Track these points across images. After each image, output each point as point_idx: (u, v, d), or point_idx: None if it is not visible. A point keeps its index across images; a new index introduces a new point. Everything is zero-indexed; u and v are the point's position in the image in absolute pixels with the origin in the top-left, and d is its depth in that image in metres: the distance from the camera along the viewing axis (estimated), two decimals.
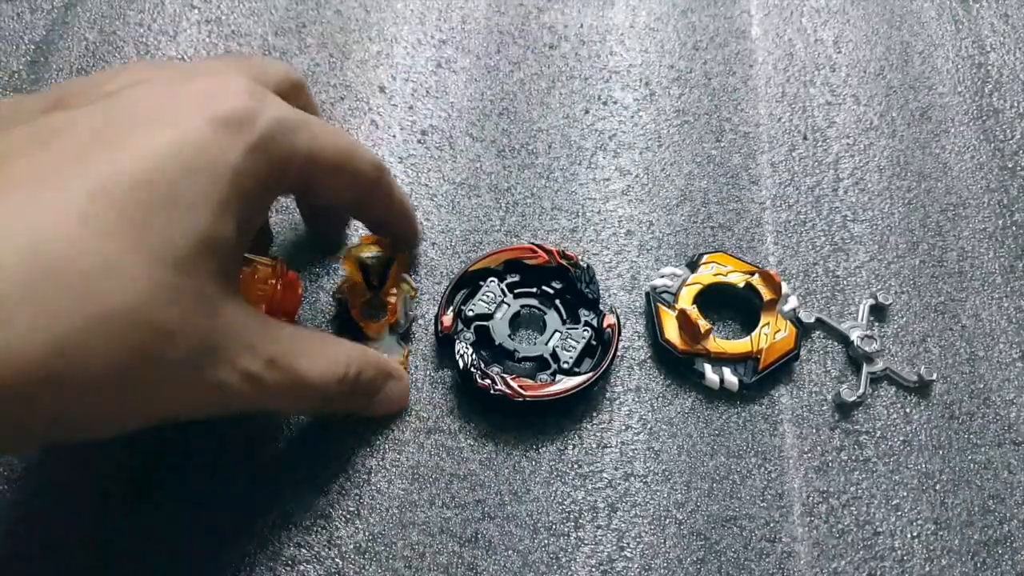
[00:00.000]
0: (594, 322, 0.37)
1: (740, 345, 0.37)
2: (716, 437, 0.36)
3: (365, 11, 0.49)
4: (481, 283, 0.38)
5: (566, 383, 0.34)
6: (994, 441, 0.36)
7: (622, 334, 0.37)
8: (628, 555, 0.33)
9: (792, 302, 0.38)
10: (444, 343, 0.36)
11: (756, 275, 0.38)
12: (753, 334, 0.37)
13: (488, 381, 0.34)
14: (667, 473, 0.35)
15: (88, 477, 0.33)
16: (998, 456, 0.36)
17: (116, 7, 0.48)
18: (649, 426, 0.36)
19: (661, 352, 0.37)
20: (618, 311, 0.37)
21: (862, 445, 0.36)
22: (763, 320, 0.38)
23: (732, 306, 0.39)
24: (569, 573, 0.32)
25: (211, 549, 0.32)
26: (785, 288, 0.38)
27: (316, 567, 0.32)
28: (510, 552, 0.33)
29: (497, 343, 0.36)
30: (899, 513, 0.34)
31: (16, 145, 0.23)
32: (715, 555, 0.33)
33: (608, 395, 0.36)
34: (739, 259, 0.39)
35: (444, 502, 0.33)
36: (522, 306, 0.37)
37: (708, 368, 0.36)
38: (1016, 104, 0.47)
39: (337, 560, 0.32)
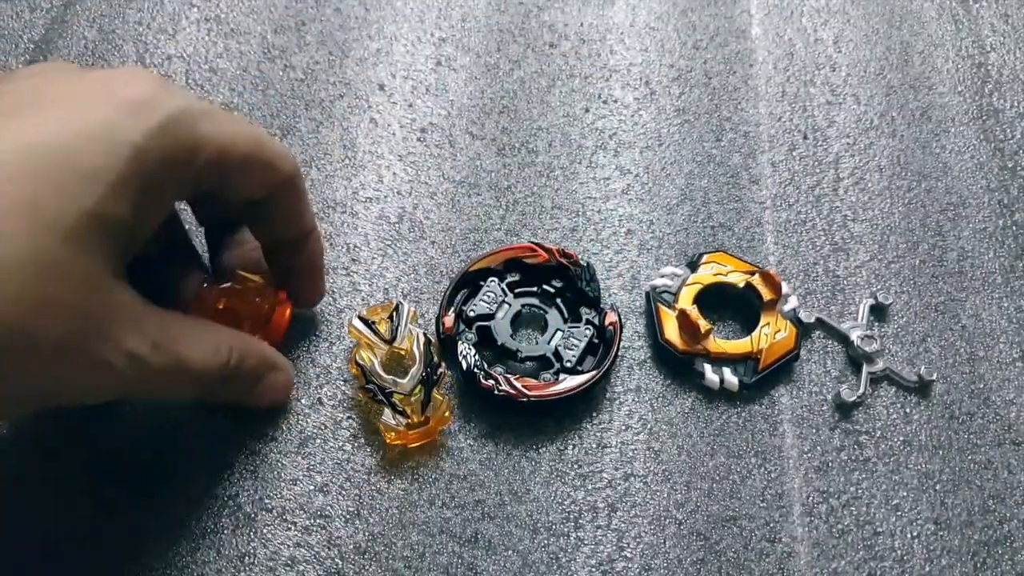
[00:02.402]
0: (596, 320, 0.37)
1: (740, 345, 0.37)
2: (716, 437, 0.36)
3: (365, 9, 0.49)
4: (481, 283, 0.38)
5: (570, 382, 0.34)
6: (994, 441, 0.36)
7: (622, 333, 0.37)
8: (628, 555, 0.33)
9: (792, 302, 0.38)
10: (446, 344, 0.36)
11: (756, 275, 0.38)
12: (753, 334, 0.37)
13: (492, 382, 0.34)
14: (667, 473, 0.35)
15: (88, 479, 0.33)
16: (998, 456, 0.36)
17: (115, 6, 0.48)
18: (649, 426, 0.36)
19: (661, 352, 0.37)
20: (619, 309, 0.37)
21: (862, 445, 0.36)
22: (763, 320, 0.38)
23: (732, 306, 0.39)
24: (569, 573, 0.32)
25: (210, 550, 0.32)
26: (785, 288, 0.38)
27: (316, 567, 0.32)
28: (510, 552, 0.33)
29: (500, 343, 0.36)
30: (899, 513, 0.34)
31: None
32: (715, 555, 0.33)
33: (608, 395, 0.36)
34: (739, 259, 0.39)
35: (444, 502, 0.33)
36: (523, 305, 0.37)
37: (708, 368, 0.36)
38: (1016, 104, 0.47)
39: (337, 560, 0.32)
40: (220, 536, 0.32)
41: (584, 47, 0.48)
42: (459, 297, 0.37)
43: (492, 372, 0.34)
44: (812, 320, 0.38)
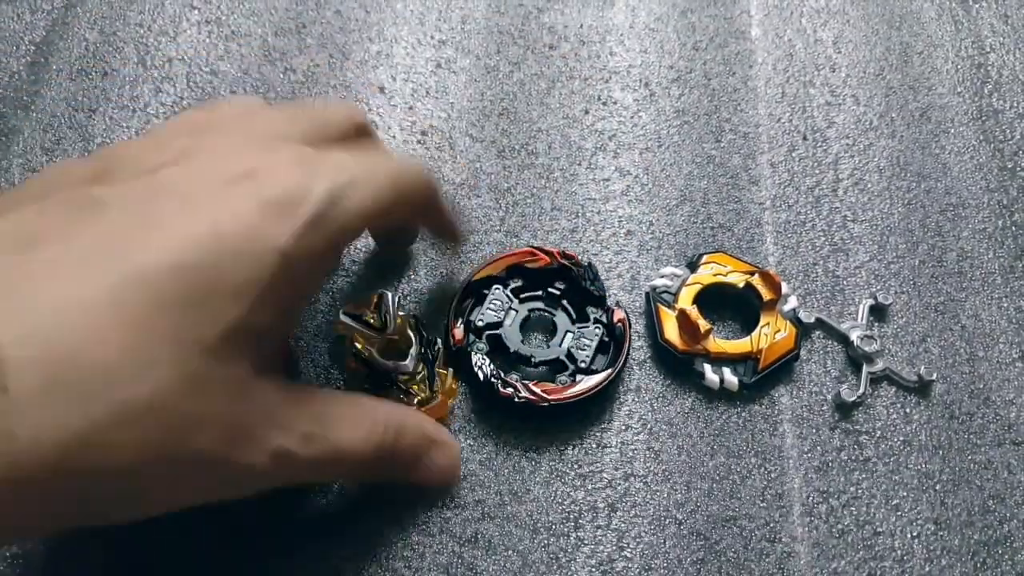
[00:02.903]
0: (603, 319, 0.37)
1: (740, 345, 0.37)
2: (716, 437, 0.36)
3: (365, 11, 0.49)
4: (485, 291, 0.37)
5: (587, 382, 0.34)
6: (994, 441, 0.36)
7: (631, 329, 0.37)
8: (628, 555, 0.33)
9: (792, 302, 0.38)
10: (456, 355, 0.36)
11: (756, 275, 0.38)
12: (753, 334, 0.37)
13: (511, 389, 0.34)
14: (667, 473, 0.35)
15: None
16: (998, 456, 0.36)
17: (116, 8, 0.48)
18: (649, 426, 0.36)
19: (661, 352, 0.37)
20: (624, 306, 0.37)
21: (862, 445, 0.36)
22: (763, 320, 0.38)
23: (732, 306, 0.39)
24: (569, 573, 0.32)
25: (208, 551, 0.32)
26: (785, 288, 0.38)
27: (315, 567, 0.32)
28: (510, 552, 0.33)
29: (512, 350, 0.36)
30: (899, 513, 0.34)
31: (52, 220, 0.22)
32: (715, 555, 0.33)
33: (608, 395, 0.36)
34: (739, 259, 0.39)
35: (443, 502, 0.33)
36: (530, 310, 0.37)
37: (708, 368, 0.36)
38: (1015, 104, 0.47)
39: (335, 560, 0.32)
40: (215, 537, 0.32)
41: (584, 49, 0.48)
42: (464, 307, 0.37)
43: (509, 380, 0.34)
44: (812, 320, 0.38)
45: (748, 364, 0.37)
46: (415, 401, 0.33)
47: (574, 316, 0.37)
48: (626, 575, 0.32)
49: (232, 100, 0.31)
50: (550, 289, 0.38)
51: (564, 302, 0.37)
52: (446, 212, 0.35)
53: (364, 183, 0.27)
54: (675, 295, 0.38)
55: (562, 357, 0.36)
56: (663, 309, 0.38)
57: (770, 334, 0.37)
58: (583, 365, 0.35)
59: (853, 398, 0.36)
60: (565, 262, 0.38)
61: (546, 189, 0.42)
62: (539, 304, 0.37)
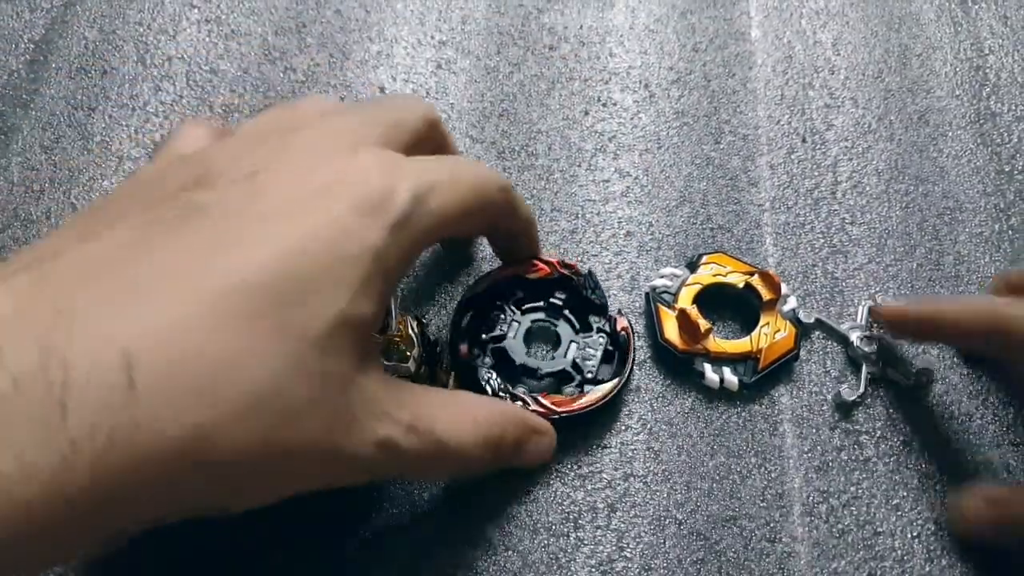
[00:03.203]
0: (606, 327, 0.37)
1: (740, 345, 0.37)
2: (716, 437, 0.36)
3: (365, 11, 0.49)
4: (486, 304, 0.37)
5: (595, 392, 0.34)
6: (993, 442, 0.36)
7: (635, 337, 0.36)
8: (628, 555, 0.33)
9: (791, 302, 0.38)
10: (460, 369, 0.35)
11: (755, 275, 0.39)
12: (753, 334, 0.37)
13: (520, 403, 0.34)
14: (667, 473, 0.35)
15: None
16: (997, 457, 0.36)
17: (116, 6, 0.48)
18: (649, 426, 0.36)
19: (661, 352, 0.37)
20: (626, 312, 0.37)
21: (862, 445, 0.36)
22: (763, 320, 0.38)
23: (732, 306, 0.39)
24: (569, 573, 0.32)
25: (206, 553, 0.32)
26: (784, 288, 0.38)
27: (314, 568, 0.32)
28: (509, 552, 0.32)
29: (518, 363, 0.35)
30: (899, 513, 0.34)
31: (162, 227, 0.24)
32: (715, 555, 0.33)
33: (613, 400, 0.36)
34: (738, 260, 0.39)
35: (443, 503, 0.33)
36: (532, 321, 0.37)
37: (708, 368, 0.36)
38: (1014, 107, 0.47)
39: (338, 560, 0.32)
40: (213, 536, 0.32)
41: (583, 50, 0.48)
42: (465, 320, 0.36)
43: (517, 393, 0.34)
44: (811, 320, 0.38)
45: (748, 364, 0.37)
46: None
47: (577, 326, 0.37)
48: (626, 575, 0.32)
49: (311, 99, 0.32)
50: (552, 299, 0.37)
51: (566, 312, 0.37)
52: (522, 222, 0.35)
53: (447, 187, 0.28)
54: (675, 295, 0.38)
55: (568, 368, 0.35)
56: (663, 309, 0.38)
57: (770, 334, 0.37)
58: (590, 375, 0.35)
59: (853, 398, 0.36)
60: (565, 271, 0.37)
61: (546, 190, 0.42)
62: (541, 315, 0.37)
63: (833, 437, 0.36)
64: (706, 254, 0.39)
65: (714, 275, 0.39)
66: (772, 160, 0.44)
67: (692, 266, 0.39)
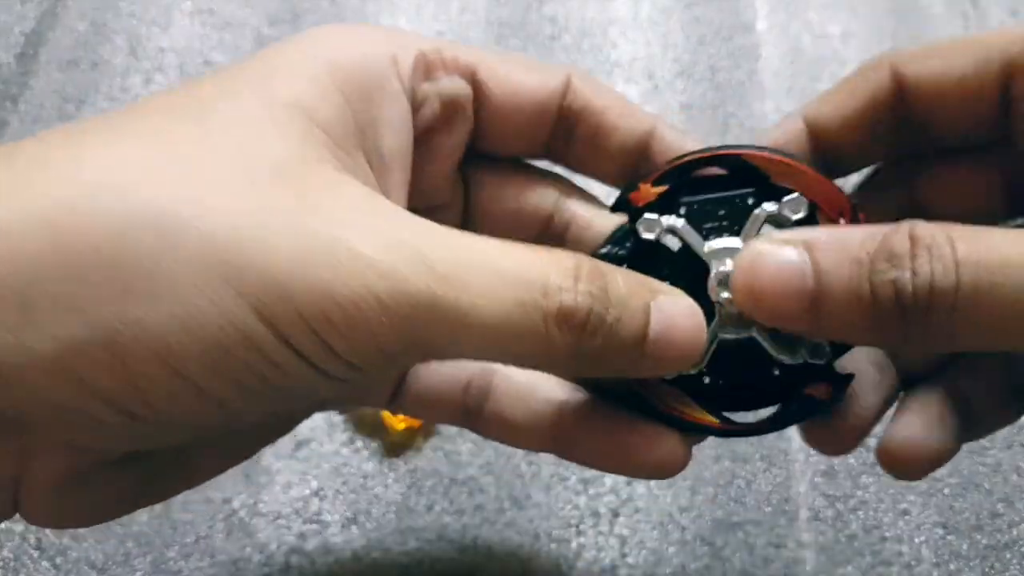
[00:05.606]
0: None
1: None
2: (720, 441, 0.35)
3: (361, 0, 0.48)
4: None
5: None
6: (1003, 444, 0.36)
7: None
8: (631, 562, 0.32)
9: None
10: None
11: None
12: None
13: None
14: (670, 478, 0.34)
15: None
16: (1007, 459, 0.35)
17: None
18: None
19: None
20: None
21: (869, 449, 0.35)
22: None
23: None
24: None
25: (204, 555, 0.31)
26: None
27: (313, 572, 0.31)
28: (510, 559, 0.32)
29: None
30: (907, 518, 0.34)
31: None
32: (720, 561, 0.32)
33: None
34: None
35: (443, 508, 0.33)
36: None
37: None
38: None
39: (333, 567, 0.31)
40: (212, 541, 0.31)
41: (586, 41, 0.47)
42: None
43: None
44: None
45: None
46: None
47: None
48: None
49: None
50: None
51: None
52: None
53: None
54: None
55: None
56: None
57: None
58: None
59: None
60: None
61: None
62: None
63: None
64: None
65: None
66: None
67: None
